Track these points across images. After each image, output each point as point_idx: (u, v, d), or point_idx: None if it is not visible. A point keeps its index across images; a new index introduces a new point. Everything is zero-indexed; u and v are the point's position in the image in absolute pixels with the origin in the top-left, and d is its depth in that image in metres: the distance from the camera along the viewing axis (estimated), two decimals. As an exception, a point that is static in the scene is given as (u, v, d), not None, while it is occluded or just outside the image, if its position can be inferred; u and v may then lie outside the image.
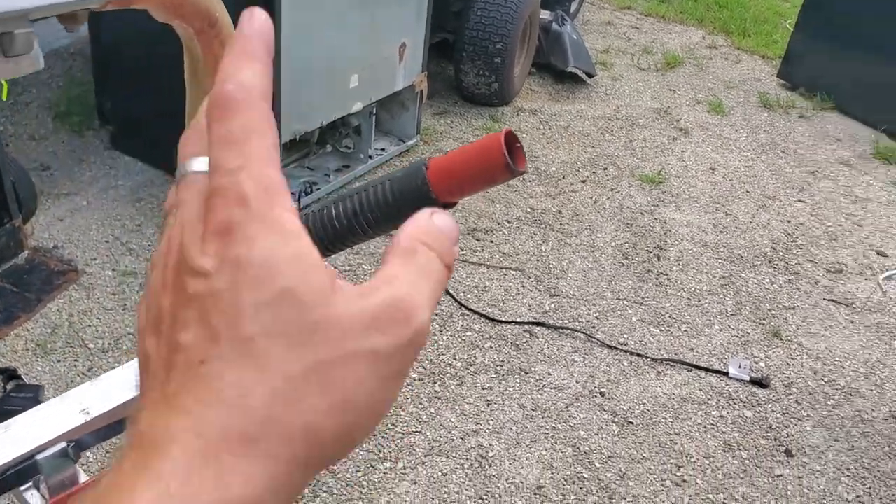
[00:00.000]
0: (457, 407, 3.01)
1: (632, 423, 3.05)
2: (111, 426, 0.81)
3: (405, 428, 2.89)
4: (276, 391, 0.31)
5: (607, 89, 5.66)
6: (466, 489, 2.71)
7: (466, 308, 3.46)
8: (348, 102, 3.86)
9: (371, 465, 2.74)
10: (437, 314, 3.41)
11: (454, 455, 2.82)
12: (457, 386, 3.09)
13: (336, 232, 0.82)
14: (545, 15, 5.46)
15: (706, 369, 3.32)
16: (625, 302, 3.64)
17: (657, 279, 3.81)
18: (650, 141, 5.05)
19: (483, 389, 3.09)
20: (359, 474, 2.70)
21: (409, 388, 3.05)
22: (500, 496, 2.69)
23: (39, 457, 0.72)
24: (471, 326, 3.38)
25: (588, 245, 3.99)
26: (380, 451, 2.79)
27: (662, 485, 2.81)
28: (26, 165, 3.66)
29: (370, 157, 4.20)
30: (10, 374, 3.02)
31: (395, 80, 4.12)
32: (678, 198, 4.47)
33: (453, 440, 2.88)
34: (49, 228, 3.58)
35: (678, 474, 2.86)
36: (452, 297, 3.50)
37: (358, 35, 3.75)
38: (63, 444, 0.74)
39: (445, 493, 2.69)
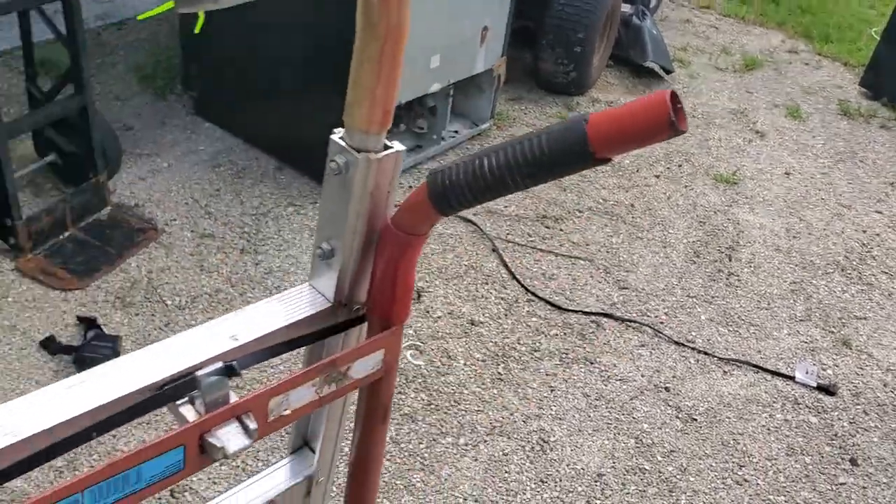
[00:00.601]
0: (520, 390, 3.02)
1: (695, 419, 3.03)
2: (261, 352, 0.85)
3: (468, 406, 2.92)
4: None
5: (684, 86, 5.60)
6: (527, 471, 2.73)
7: (533, 294, 3.47)
8: (427, 83, 3.89)
9: (433, 439, 2.77)
10: (502, 298, 3.43)
11: (515, 437, 2.84)
12: (520, 370, 3.11)
13: (487, 183, 0.83)
14: (626, 8, 5.42)
15: (773, 372, 3.29)
16: (694, 300, 3.61)
17: (728, 279, 3.77)
18: (725, 141, 4.99)
19: (547, 375, 3.10)
20: (421, 446, 2.74)
21: (473, 367, 3.08)
22: (560, 480, 2.70)
23: (198, 373, 0.75)
24: (536, 313, 3.39)
25: (660, 240, 3.96)
26: (442, 427, 2.82)
27: (723, 482, 2.79)
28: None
29: (443, 138, 4.22)
30: (91, 323, 3.12)
31: (475, 63, 4.13)
32: (752, 200, 4.42)
33: (515, 422, 2.89)
34: (130, 187, 3.67)
35: (739, 473, 2.84)
36: (519, 281, 3.51)
37: (443, 16, 3.77)
38: (220, 364, 0.78)
39: (506, 472, 2.71)
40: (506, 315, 3.35)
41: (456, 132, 4.37)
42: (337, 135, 0.88)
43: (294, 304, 0.91)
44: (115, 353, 2.80)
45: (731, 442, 2.96)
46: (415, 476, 2.63)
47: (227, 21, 3.84)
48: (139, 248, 3.32)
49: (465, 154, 4.30)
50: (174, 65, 4.32)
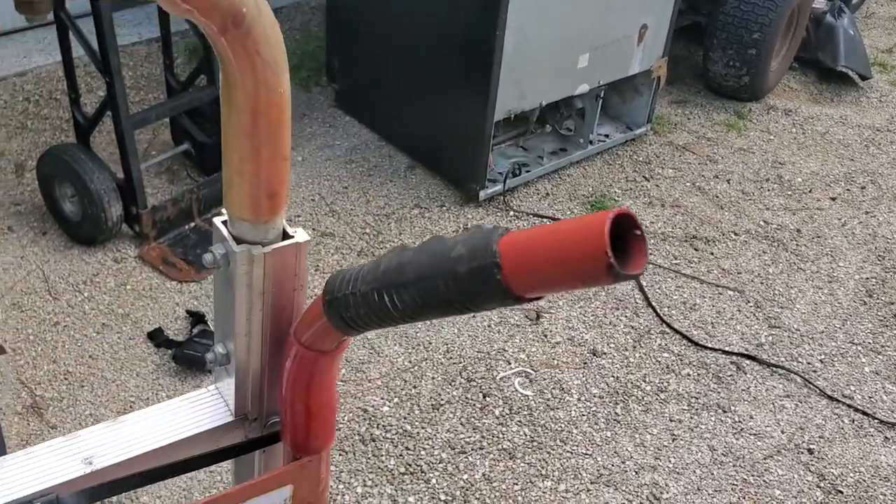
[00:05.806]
0: (637, 435, 2.71)
1: (841, 492, 2.60)
2: (121, 481, 0.66)
3: (574, 448, 2.65)
4: None
5: (882, 95, 4.95)
6: (630, 531, 2.44)
7: (668, 325, 3.12)
8: (574, 83, 3.60)
9: (530, 481, 2.53)
10: (632, 327, 3.11)
11: (623, 488, 2.54)
12: (641, 412, 2.79)
13: (389, 316, 0.63)
14: (819, 4, 4.83)
15: (949, 446, 2.78)
16: (859, 347, 3.13)
17: (904, 326, 3.24)
18: (924, 160, 4.34)
19: (671, 421, 2.77)
20: (516, 487, 2.51)
21: (588, 404, 2.80)
22: (666, 548, 2.39)
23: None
24: (669, 347, 3.04)
25: (826, 274, 3.47)
26: (542, 468, 2.57)
27: (867, 577, 2.37)
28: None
29: (591, 142, 3.91)
30: (198, 319, 3.09)
31: (629, 64, 3.79)
32: (948, 232, 3.80)
33: (626, 472, 2.59)
34: (264, 178, 3.64)
35: (890, 568, 2.40)
36: (654, 309, 3.17)
37: (594, 12, 3.46)
38: (54, 497, 0.60)
39: (606, 529, 2.43)
40: (634, 347, 3.04)
41: (607, 136, 4.05)
42: (220, 218, 0.68)
43: (185, 414, 0.72)
44: (214, 354, 2.75)
45: (884, 526, 2.52)
46: (501, 523, 2.41)
47: (372, 16, 3.73)
48: (259, 244, 3.28)
49: (545, 175, 3.95)
50: (321, 56, 4.27)
